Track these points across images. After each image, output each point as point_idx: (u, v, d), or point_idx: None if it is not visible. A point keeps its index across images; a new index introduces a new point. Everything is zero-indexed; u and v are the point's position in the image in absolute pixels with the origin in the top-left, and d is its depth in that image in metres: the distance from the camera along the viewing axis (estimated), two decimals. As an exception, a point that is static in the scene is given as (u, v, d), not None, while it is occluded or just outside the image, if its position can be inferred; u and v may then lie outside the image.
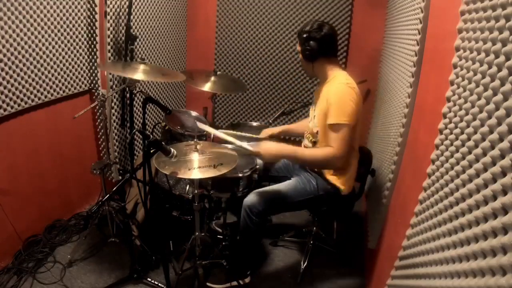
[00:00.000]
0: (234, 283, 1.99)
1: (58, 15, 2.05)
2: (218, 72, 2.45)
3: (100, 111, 2.17)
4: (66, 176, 2.40)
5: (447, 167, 1.04)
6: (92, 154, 2.62)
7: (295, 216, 2.68)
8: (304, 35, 1.73)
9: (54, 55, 2.09)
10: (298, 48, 1.82)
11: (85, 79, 2.37)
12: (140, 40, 2.63)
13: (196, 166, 1.54)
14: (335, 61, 1.82)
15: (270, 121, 2.70)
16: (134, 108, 2.34)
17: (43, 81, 2.06)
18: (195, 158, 1.60)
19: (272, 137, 2.11)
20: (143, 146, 2.67)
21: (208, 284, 2.00)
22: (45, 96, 2.10)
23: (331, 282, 2.13)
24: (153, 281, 1.97)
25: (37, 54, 1.98)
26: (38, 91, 2.04)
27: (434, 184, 1.12)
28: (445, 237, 0.98)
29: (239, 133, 2.00)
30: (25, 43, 1.89)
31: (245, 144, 1.71)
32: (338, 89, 1.71)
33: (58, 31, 2.08)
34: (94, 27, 2.28)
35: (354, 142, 1.83)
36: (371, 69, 2.92)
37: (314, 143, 1.88)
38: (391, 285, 1.39)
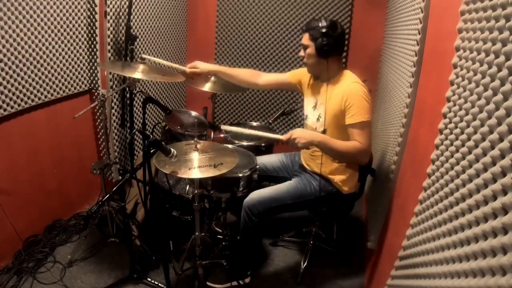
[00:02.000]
0: (234, 283, 2.00)
1: (58, 15, 2.05)
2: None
3: (100, 111, 2.17)
4: (66, 176, 2.40)
5: (447, 167, 1.04)
6: (92, 154, 2.62)
7: (295, 216, 2.68)
8: (323, 30, 1.68)
9: (54, 55, 2.09)
10: (307, 42, 1.75)
11: (85, 79, 2.37)
12: (140, 40, 2.63)
13: (196, 166, 1.54)
14: (341, 60, 1.84)
15: (270, 121, 2.70)
16: (134, 108, 2.34)
17: (43, 81, 2.06)
18: (195, 157, 1.60)
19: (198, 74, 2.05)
20: (143, 146, 2.67)
21: (208, 283, 2.00)
22: (45, 96, 2.10)
23: (331, 282, 2.13)
24: (153, 281, 1.97)
25: (37, 54, 1.98)
26: (38, 91, 2.04)
27: (434, 184, 1.12)
28: (445, 237, 0.98)
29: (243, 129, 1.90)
30: (25, 43, 1.89)
31: (273, 135, 1.78)
32: (354, 89, 1.71)
33: (58, 31, 2.08)
34: (94, 27, 2.28)
35: None
36: (371, 69, 2.91)
37: None
38: (391, 285, 1.39)
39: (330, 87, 1.80)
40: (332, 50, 1.72)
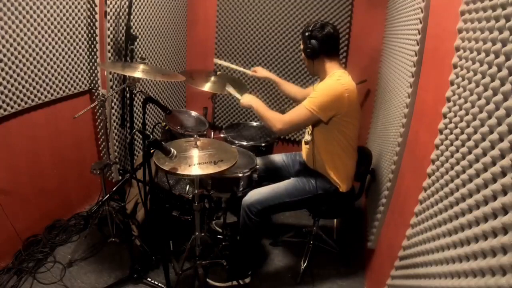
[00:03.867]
0: (235, 282, 2.00)
1: (58, 15, 2.05)
2: (218, 72, 2.45)
3: (100, 111, 2.17)
4: (66, 176, 2.40)
5: (447, 167, 1.04)
6: (92, 154, 2.62)
7: (295, 216, 2.68)
8: (307, 34, 1.78)
9: (54, 55, 2.09)
10: (302, 46, 1.85)
11: (85, 79, 2.37)
12: (140, 40, 2.63)
13: (196, 163, 1.54)
14: (336, 60, 1.84)
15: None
16: (134, 108, 2.34)
17: (43, 81, 2.06)
18: (195, 154, 1.60)
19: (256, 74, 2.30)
20: (143, 146, 2.67)
21: (208, 280, 2.00)
22: (45, 96, 2.10)
23: (331, 282, 2.13)
24: (153, 281, 1.97)
25: (37, 54, 1.98)
26: (38, 91, 2.04)
27: (434, 184, 1.12)
28: (445, 237, 0.98)
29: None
30: (25, 43, 1.89)
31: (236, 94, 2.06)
32: (326, 82, 1.77)
33: (58, 31, 2.08)
34: (94, 27, 2.28)
35: (352, 141, 1.85)
36: (371, 69, 2.91)
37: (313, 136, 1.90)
38: (391, 285, 1.39)
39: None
40: (317, 52, 1.78)
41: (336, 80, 1.73)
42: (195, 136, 1.68)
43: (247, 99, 1.97)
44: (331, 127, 1.78)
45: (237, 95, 2.07)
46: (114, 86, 2.44)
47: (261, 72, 2.27)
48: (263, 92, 3.24)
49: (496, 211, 0.73)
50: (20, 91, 1.92)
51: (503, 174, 0.73)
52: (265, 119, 1.84)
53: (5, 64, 1.80)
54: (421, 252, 1.13)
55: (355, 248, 2.40)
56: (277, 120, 1.80)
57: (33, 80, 1.99)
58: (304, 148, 2.04)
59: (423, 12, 1.48)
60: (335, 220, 2.61)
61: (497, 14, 0.82)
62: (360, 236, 2.49)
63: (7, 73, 1.82)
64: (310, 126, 1.91)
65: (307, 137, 1.98)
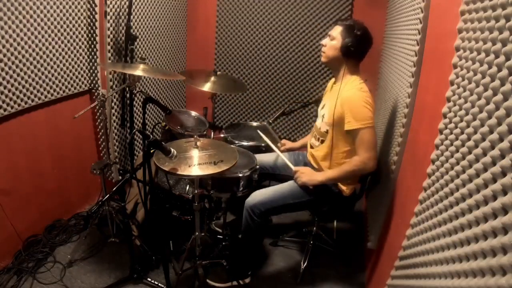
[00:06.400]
0: (235, 283, 2.00)
1: (58, 15, 2.05)
2: (218, 72, 2.45)
3: (100, 111, 2.17)
4: (66, 176, 2.40)
5: (447, 167, 1.04)
6: (92, 154, 2.62)
7: (295, 216, 2.68)
8: (358, 32, 1.72)
9: (54, 55, 2.09)
10: (336, 34, 1.77)
11: (85, 79, 2.37)
12: (140, 40, 2.63)
13: (196, 163, 1.54)
14: (357, 65, 1.83)
15: (270, 121, 2.70)
16: (134, 108, 2.34)
17: (43, 81, 2.06)
18: (195, 154, 1.60)
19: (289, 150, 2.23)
20: (143, 146, 2.67)
21: (208, 281, 2.00)
22: (45, 96, 2.10)
23: (331, 282, 2.13)
24: (153, 281, 1.97)
25: (37, 54, 1.98)
26: (38, 91, 2.04)
27: (434, 184, 1.12)
28: (445, 237, 0.98)
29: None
30: (25, 43, 1.89)
31: (287, 161, 1.92)
32: (352, 94, 1.73)
33: (58, 31, 2.08)
34: (94, 27, 2.28)
35: None
36: (371, 69, 2.91)
37: (322, 142, 1.89)
38: (391, 285, 1.39)
39: (335, 88, 1.83)
40: (354, 53, 1.75)
41: (359, 89, 1.73)
42: (195, 136, 1.68)
43: (309, 176, 1.79)
44: (343, 133, 1.76)
45: (290, 165, 1.90)
46: (114, 86, 2.44)
47: (292, 145, 2.25)
48: (265, 91, 3.24)
49: (496, 211, 0.73)
50: (20, 91, 1.92)
51: (503, 174, 0.73)
52: (348, 177, 1.78)
53: (5, 64, 1.80)
54: (421, 252, 1.13)
55: (355, 248, 2.40)
56: (358, 165, 1.71)
57: (33, 80, 1.99)
58: (310, 151, 2.02)
59: (423, 12, 1.48)
60: (335, 220, 2.61)
61: (497, 14, 0.82)
62: (360, 236, 2.49)
63: (7, 73, 1.82)
64: (320, 133, 1.90)
65: (315, 142, 1.97)
